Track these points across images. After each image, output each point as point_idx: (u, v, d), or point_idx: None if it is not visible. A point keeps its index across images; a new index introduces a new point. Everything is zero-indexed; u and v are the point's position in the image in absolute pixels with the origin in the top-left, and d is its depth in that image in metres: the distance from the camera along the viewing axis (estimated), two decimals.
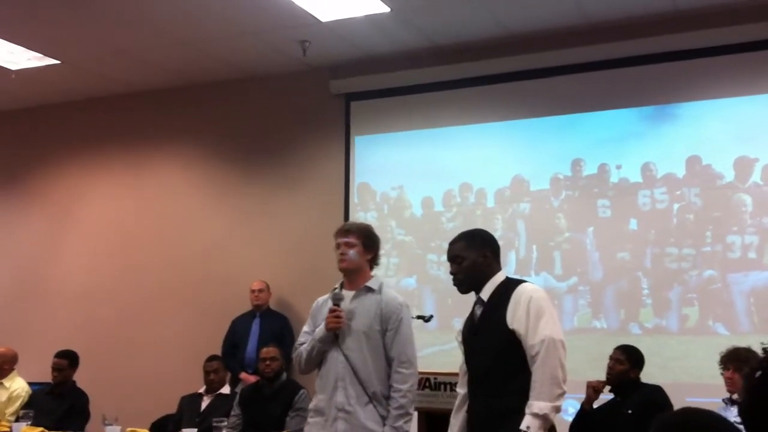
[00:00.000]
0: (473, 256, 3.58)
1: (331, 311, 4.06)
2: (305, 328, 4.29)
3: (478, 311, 3.58)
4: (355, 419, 3.96)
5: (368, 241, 4.19)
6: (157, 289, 8.05)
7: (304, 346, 4.17)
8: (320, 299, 4.32)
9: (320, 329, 4.09)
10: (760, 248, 6.14)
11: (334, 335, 4.04)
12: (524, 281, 3.60)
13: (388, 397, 4.00)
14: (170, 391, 6.70)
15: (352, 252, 4.13)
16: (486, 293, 3.56)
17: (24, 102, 8.78)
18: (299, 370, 4.29)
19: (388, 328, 4.05)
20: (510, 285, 3.54)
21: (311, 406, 4.18)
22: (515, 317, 3.39)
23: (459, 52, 7.05)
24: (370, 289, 4.14)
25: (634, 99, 6.62)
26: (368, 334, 4.05)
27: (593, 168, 6.70)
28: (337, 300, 4.10)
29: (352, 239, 4.14)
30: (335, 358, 4.05)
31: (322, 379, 4.11)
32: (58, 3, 6.28)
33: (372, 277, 4.20)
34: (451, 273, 3.65)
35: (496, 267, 3.63)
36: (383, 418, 3.98)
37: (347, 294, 4.15)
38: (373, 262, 4.23)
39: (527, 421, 3.23)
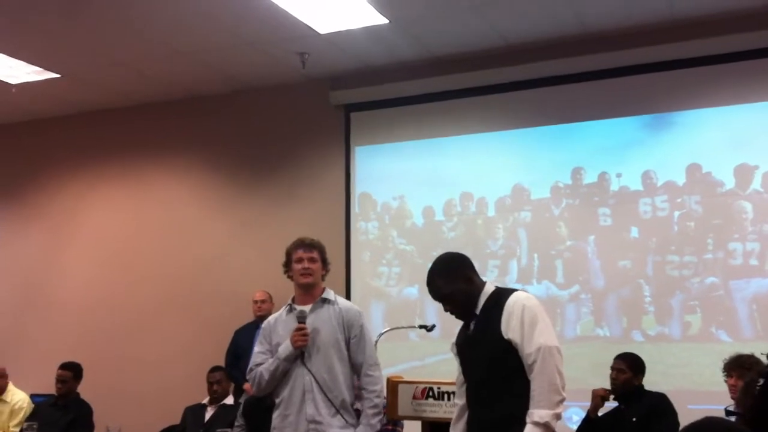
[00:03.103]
0: (459, 287, 3.51)
1: (298, 329, 4.15)
2: (258, 349, 4.37)
3: (472, 323, 3.55)
4: (326, 429, 4.09)
5: (325, 257, 4.38)
6: (159, 300, 8.06)
7: (265, 366, 4.24)
8: (271, 319, 4.43)
9: (285, 348, 4.17)
10: (762, 255, 6.15)
11: (300, 351, 4.14)
12: (516, 290, 3.56)
13: (353, 404, 4.21)
14: (174, 402, 6.73)
15: (315, 267, 4.29)
16: (478, 308, 3.51)
17: (24, 116, 8.80)
18: (257, 390, 4.35)
19: (352, 336, 4.24)
20: (502, 295, 3.49)
21: (273, 424, 4.23)
22: (510, 327, 3.36)
23: (458, 62, 7.08)
24: (326, 300, 4.29)
25: (634, 107, 6.64)
26: (335, 344, 4.20)
27: (593, 176, 6.71)
28: (302, 318, 4.18)
29: (315, 254, 4.31)
30: (300, 373, 4.16)
31: (288, 393, 4.19)
32: (57, 17, 6.29)
33: (324, 289, 4.35)
34: (447, 311, 3.58)
35: (480, 281, 3.58)
36: (352, 426, 4.15)
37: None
38: (323, 277, 4.41)
39: (529, 430, 3.22)
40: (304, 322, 4.17)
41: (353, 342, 4.22)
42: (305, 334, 4.12)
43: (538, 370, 3.27)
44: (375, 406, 4.15)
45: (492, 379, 3.42)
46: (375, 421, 4.14)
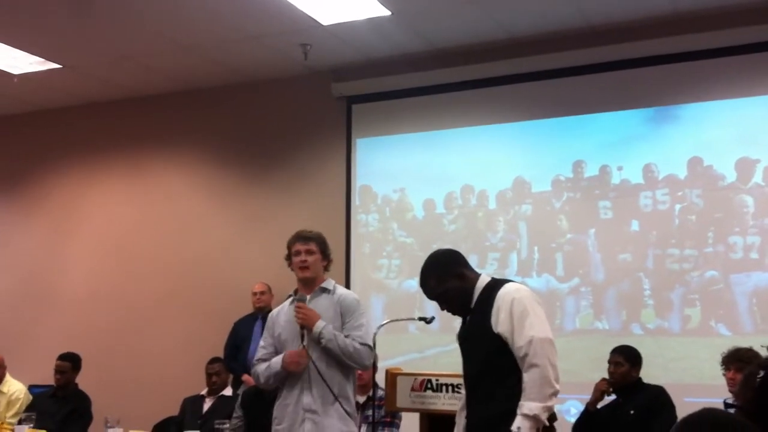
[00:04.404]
0: (452, 284, 3.50)
1: (297, 307, 4.19)
2: (261, 343, 4.41)
3: (468, 317, 3.55)
4: (321, 419, 4.09)
5: (325, 248, 4.36)
6: (159, 292, 8.07)
7: (262, 369, 4.26)
8: (274, 312, 4.46)
9: (276, 364, 4.19)
10: (762, 249, 6.14)
11: (301, 336, 4.16)
12: (508, 281, 3.52)
13: (347, 397, 4.19)
14: (172, 393, 6.73)
15: (312, 260, 4.27)
16: (473, 302, 3.51)
17: (26, 107, 8.80)
18: (259, 386, 4.47)
19: (346, 320, 4.22)
20: (494, 287, 3.46)
21: (275, 414, 4.25)
22: (499, 321, 3.33)
23: (460, 54, 7.06)
24: (325, 290, 4.30)
25: (636, 101, 6.62)
26: None
27: (595, 169, 6.70)
28: (301, 301, 4.22)
29: (312, 247, 4.29)
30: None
31: (287, 383, 4.21)
32: (60, 8, 6.29)
33: (325, 279, 4.35)
34: (443, 309, 3.58)
35: (474, 275, 3.56)
36: (349, 415, 4.16)
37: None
38: (326, 268, 4.40)
39: (518, 422, 3.19)
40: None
41: (348, 324, 4.20)
42: (303, 314, 4.15)
43: (529, 363, 3.24)
44: (355, 339, 4.15)
45: (486, 375, 3.41)
46: (349, 340, 4.14)
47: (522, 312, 3.31)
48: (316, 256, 4.28)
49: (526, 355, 3.25)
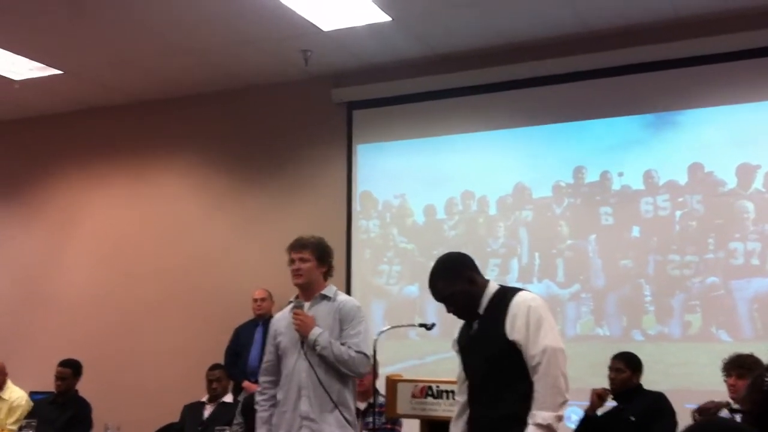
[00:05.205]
0: (461, 287, 3.49)
1: (294, 314, 4.17)
2: (266, 351, 4.41)
3: (476, 324, 3.53)
4: (319, 426, 4.06)
5: (322, 255, 4.28)
6: (160, 297, 8.06)
7: (260, 415, 4.28)
8: (275, 318, 4.46)
9: None
10: (763, 255, 6.13)
11: (300, 342, 4.14)
12: (521, 290, 3.53)
13: (346, 404, 4.16)
14: (173, 400, 6.72)
15: (306, 267, 4.22)
16: (482, 307, 3.50)
17: (26, 112, 8.80)
18: None
19: (344, 328, 4.18)
20: (506, 294, 3.47)
21: (273, 421, 4.24)
22: (515, 328, 3.34)
23: (460, 60, 7.07)
24: (325, 297, 4.26)
25: (636, 106, 6.62)
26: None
27: (595, 175, 6.70)
28: (299, 306, 4.21)
29: (306, 254, 4.23)
30: (299, 367, 4.15)
31: (284, 388, 4.19)
32: (59, 13, 6.29)
33: (326, 286, 4.31)
34: (450, 312, 3.56)
35: (483, 281, 3.56)
36: (349, 423, 4.12)
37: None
38: (327, 274, 4.33)
39: (531, 431, 3.21)
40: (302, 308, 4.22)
41: (345, 332, 4.17)
42: (300, 320, 4.14)
43: (542, 372, 3.26)
44: (351, 347, 4.13)
45: (494, 379, 3.41)
46: (344, 347, 4.11)
47: (538, 320, 3.33)
48: (310, 264, 4.22)
49: (539, 364, 3.27)
